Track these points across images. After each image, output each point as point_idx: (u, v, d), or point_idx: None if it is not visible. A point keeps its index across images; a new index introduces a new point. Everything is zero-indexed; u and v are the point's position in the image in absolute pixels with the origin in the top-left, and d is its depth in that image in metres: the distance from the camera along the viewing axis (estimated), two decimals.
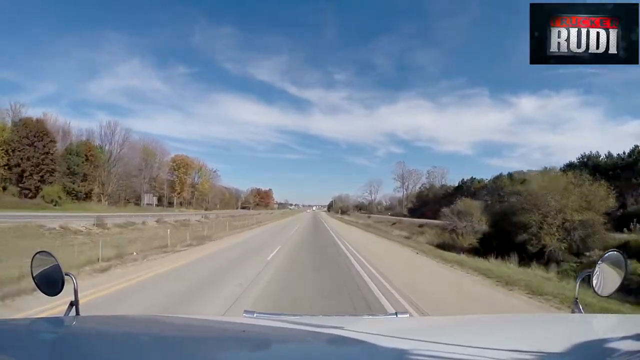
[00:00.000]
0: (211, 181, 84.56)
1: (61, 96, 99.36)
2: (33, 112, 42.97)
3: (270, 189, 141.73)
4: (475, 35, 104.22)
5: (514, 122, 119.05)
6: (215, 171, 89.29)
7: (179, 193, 71.07)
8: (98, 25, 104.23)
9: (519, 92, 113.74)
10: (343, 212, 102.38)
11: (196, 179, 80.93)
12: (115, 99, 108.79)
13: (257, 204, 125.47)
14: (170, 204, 66.64)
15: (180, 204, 72.82)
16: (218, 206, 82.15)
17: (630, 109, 78.17)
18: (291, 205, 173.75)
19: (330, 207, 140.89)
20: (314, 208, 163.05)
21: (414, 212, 78.94)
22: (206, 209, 73.75)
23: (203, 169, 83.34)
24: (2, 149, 36.12)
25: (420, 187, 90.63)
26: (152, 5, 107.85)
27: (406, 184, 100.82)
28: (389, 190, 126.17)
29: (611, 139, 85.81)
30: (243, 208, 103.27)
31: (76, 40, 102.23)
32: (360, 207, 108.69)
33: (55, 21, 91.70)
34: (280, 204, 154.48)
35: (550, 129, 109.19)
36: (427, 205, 79.91)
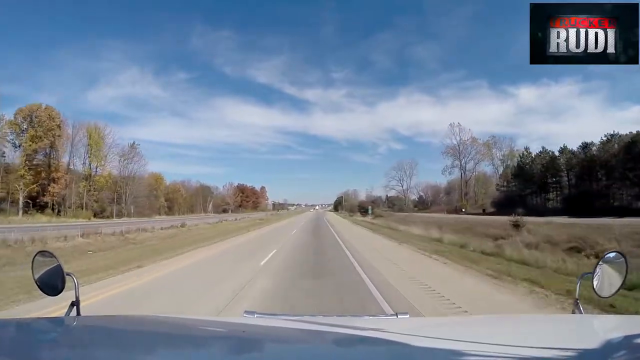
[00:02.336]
0: (125, 164, 54.29)
1: (61, 106, 78.23)
2: None
3: (263, 187, 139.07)
4: (473, 27, 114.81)
5: (514, 113, 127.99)
6: (134, 145, 56.73)
7: (35, 185, 42.24)
8: (97, 34, 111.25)
9: (518, 83, 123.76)
10: (367, 212, 67.66)
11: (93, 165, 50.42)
12: (116, 107, 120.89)
13: (240, 205, 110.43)
14: (27, 204, 40.76)
15: (58, 205, 43.81)
16: (134, 209, 54.84)
17: (630, 95, 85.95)
18: (293, 205, 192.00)
19: (338, 206, 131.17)
20: (316, 207, 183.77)
21: (507, 208, 43.76)
22: (108, 216, 47.04)
23: (94, 137, 49.20)
24: None
25: (519, 160, 55.27)
26: (149, 12, 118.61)
27: (462, 160, 66.30)
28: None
29: (612, 126, 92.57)
30: (224, 212, 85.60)
31: (75, 49, 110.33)
32: (378, 204, 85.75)
33: (54, 31, 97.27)
34: (279, 204, 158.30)
35: (551, 118, 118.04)
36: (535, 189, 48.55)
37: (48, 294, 1.38)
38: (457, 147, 66.99)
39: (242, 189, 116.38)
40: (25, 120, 42.70)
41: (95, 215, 45.99)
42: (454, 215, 44.56)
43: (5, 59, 71.05)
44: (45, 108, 44.29)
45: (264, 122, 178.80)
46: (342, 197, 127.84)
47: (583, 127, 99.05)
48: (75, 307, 1.30)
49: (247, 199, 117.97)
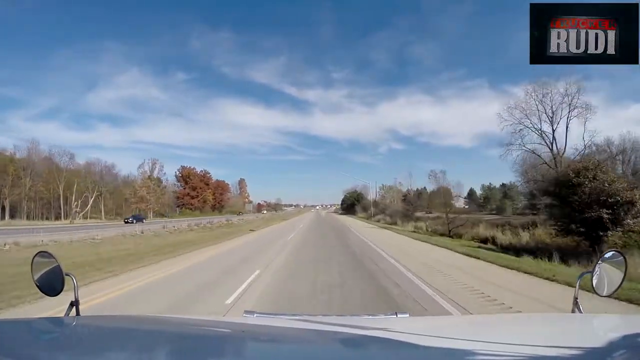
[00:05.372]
0: None
1: (62, 109, 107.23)
2: None
3: (242, 179, 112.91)
4: (472, 26, 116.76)
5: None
6: None
7: None
8: (95, 37, 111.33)
9: (519, 82, 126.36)
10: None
11: None
12: (116, 109, 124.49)
13: (182, 205, 69.45)
14: None
15: None
16: None
17: (631, 94, 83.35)
18: (290, 205, 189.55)
19: (350, 207, 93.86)
20: (317, 207, 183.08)
21: None
22: None
23: None
24: None
25: None
26: (148, 14, 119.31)
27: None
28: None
29: (612, 124, 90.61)
30: (161, 215, 55.13)
31: (74, 52, 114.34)
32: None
33: (53, 35, 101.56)
34: (272, 204, 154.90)
35: (551, 116, 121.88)
36: None
37: (47, 294, 1.38)
38: None
39: (185, 177, 71.37)
40: None
41: None
42: None
43: (3, 61, 76.15)
44: None
45: (264, 123, 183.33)
46: (352, 194, 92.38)
47: (582, 126, 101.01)
48: (74, 307, 1.31)
49: (193, 194, 71.44)
